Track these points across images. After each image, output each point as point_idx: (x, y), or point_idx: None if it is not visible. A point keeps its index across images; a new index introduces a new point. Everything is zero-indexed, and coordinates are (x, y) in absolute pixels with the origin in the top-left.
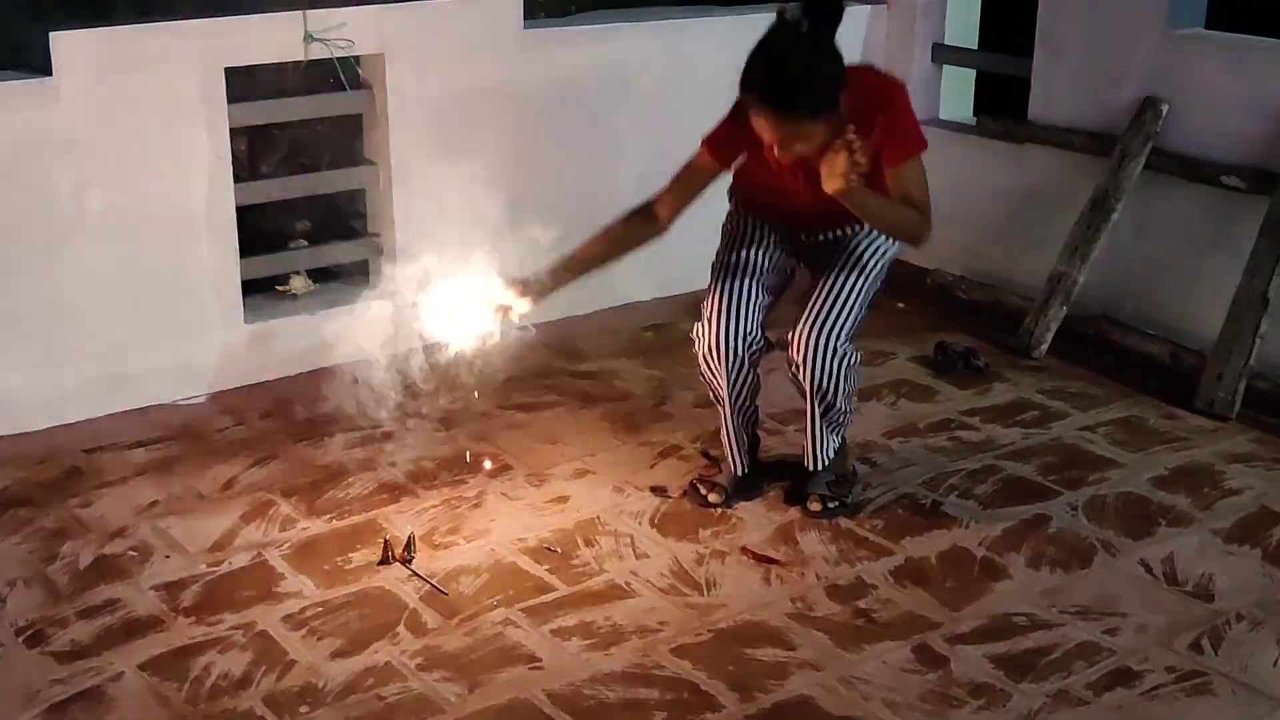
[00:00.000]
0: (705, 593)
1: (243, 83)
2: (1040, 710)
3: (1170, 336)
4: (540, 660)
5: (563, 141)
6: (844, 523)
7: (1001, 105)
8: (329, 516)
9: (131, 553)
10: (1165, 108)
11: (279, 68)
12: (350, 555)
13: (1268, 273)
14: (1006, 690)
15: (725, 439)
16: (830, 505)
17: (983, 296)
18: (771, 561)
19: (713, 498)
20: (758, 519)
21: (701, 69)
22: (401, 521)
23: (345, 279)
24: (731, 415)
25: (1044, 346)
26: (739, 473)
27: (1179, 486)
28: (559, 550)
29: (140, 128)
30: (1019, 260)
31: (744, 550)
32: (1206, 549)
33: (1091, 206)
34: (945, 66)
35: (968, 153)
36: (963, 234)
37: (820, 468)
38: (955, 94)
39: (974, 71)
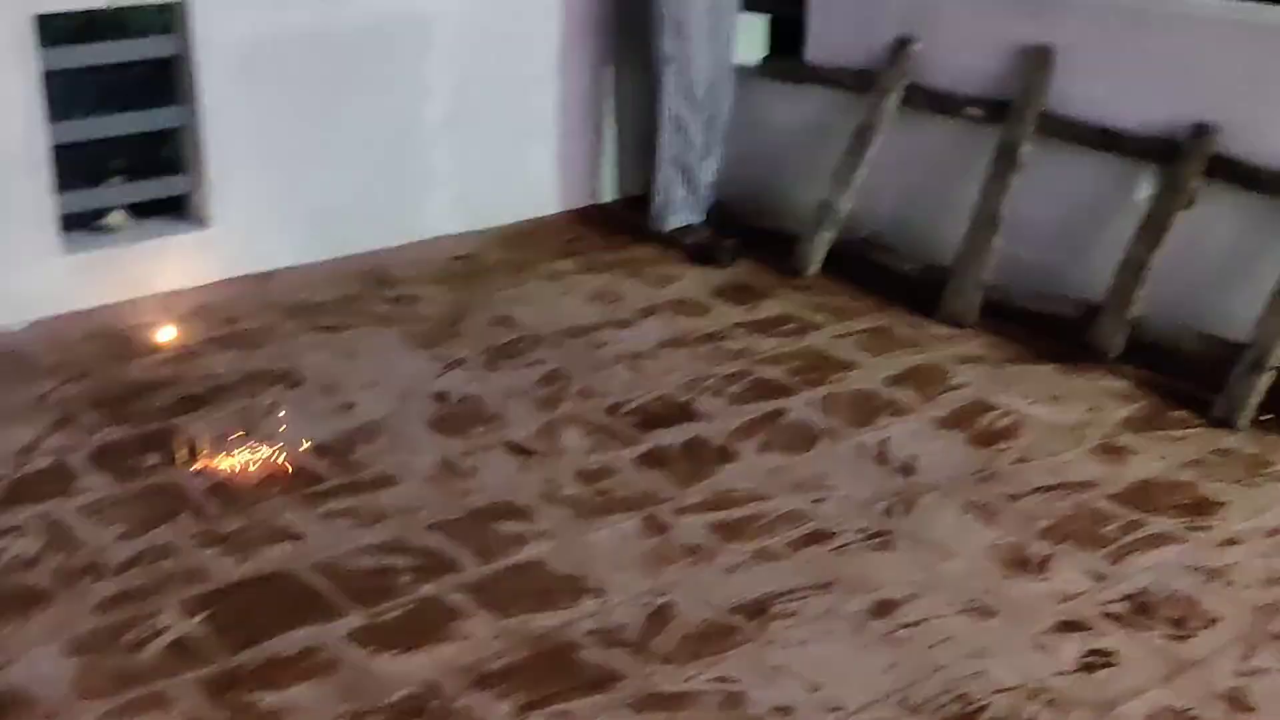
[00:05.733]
0: (466, 479)
1: (54, 28)
2: (741, 564)
3: (922, 255)
4: (307, 537)
5: (370, 83)
6: (602, 419)
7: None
8: (130, 424)
9: None
10: (917, 46)
11: (90, 13)
12: (146, 456)
13: (998, 194)
14: (715, 549)
15: None
16: None
17: (768, 224)
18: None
19: None
20: (523, 418)
21: (501, 15)
22: (198, 428)
23: (164, 214)
24: None
25: (813, 267)
26: None
27: (908, 383)
28: (339, 448)
29: None
30: (800, 190)
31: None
32: (919, 434)
33: (853, 139)
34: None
35: (757, 93)
36: (754, 168)
37: None
38: (749, 40)
39: (767, 18)
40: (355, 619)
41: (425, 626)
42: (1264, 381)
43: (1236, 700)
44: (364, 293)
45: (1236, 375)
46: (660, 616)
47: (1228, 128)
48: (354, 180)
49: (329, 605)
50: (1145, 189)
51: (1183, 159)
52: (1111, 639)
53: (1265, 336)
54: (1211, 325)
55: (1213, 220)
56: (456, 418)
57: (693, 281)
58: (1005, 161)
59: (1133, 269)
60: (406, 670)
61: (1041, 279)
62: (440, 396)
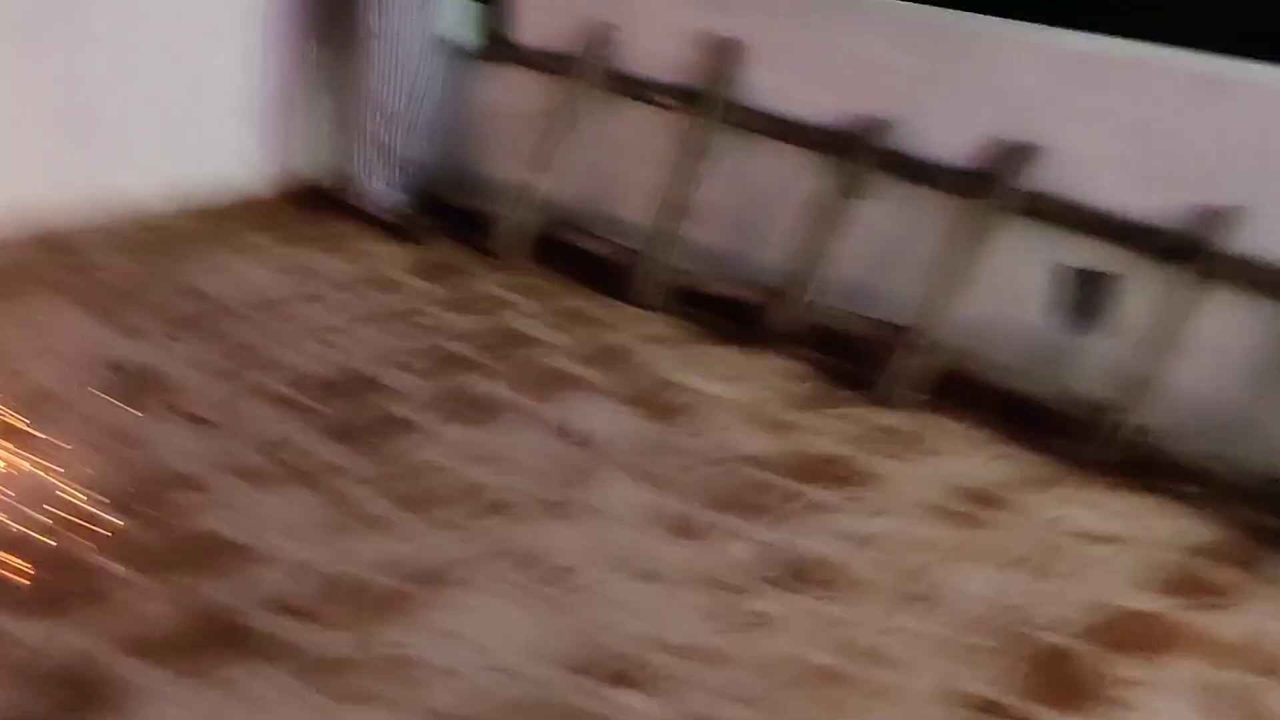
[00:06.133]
0: (136, 449)
1: None
2: (419, 534)
3: (617, 239)
4: None
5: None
6: (285, 391)
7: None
8: None
9: None
10: (616, 33)
11: None
12: None
13: (686, 181)
14: (392, 519)
15: None
16: None
17: (469, 204)
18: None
19: None
20: (203, 388)
21: None
22: None
23: None
24: None
25: (511, 248)
26: None
27: (594, 361)
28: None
29: None
30: (502, 171)
31: None
32: (601, 409)
33: (553, 123)
34: None
35: (464, 72)
36: (458, 148)
37: None
38: (459, 18)
39: None
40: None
41: (87, 594)
42: (921, 363)
43: (877, 656)
44: (41, 259)
45: (897, 357)
46: (333, 585)
47: (900, 124)
48: (32, 144)
49: None
50: (821, 180)
51: (857, 152)
52: (766, 601)
53: (923, 320)
54: (880, 310)
55: (882, 211)
56: (131, 387)
57: (389, 258)
58: (693, 149)
59: (808, 256)
60: (65, 639)
61: (726, 264)
62: (116, 366)
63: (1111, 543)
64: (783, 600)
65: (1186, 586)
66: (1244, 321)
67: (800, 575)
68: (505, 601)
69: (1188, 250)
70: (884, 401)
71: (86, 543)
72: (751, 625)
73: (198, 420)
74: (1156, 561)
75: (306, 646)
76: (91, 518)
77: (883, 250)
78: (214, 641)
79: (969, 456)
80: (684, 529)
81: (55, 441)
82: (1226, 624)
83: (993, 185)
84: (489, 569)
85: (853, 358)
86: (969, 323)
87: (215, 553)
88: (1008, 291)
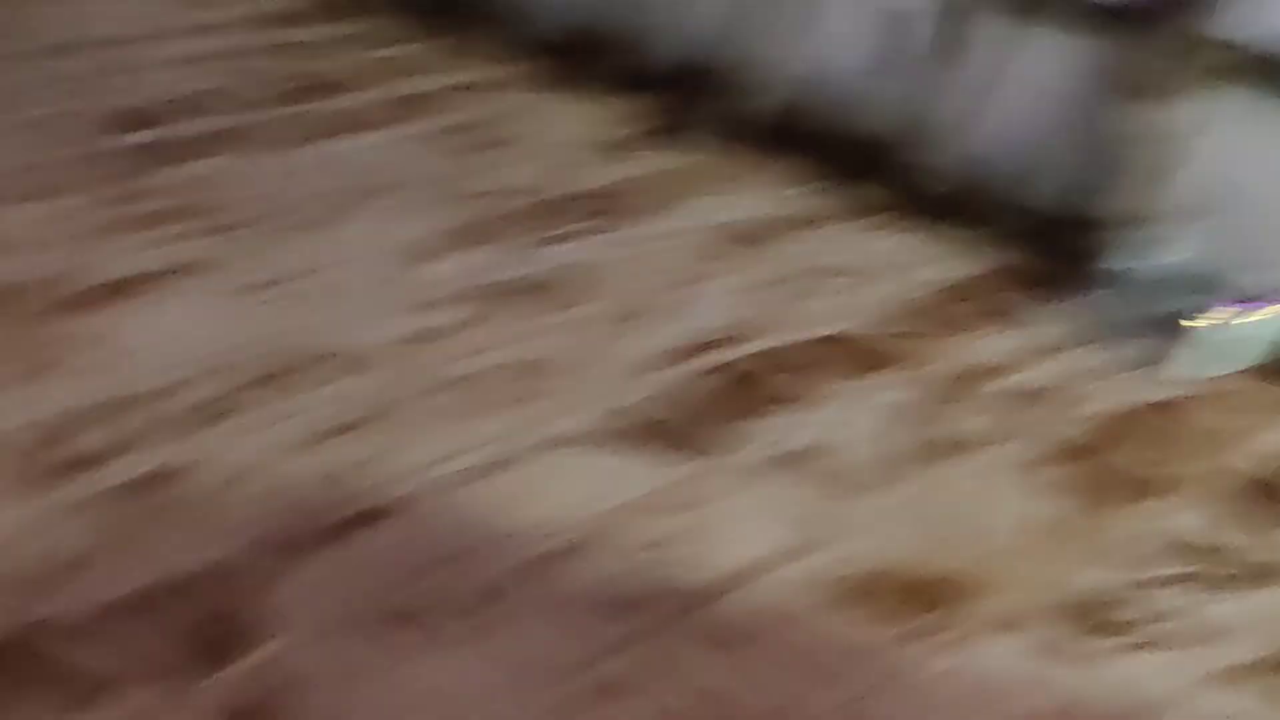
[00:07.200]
0: None
1: None
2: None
3: None
4: None
5: None
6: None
7: None
8: None
9: None
10: None
11: None
12: None
13: None
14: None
15: None
16: None
17: None
18: None
19: None
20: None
21: None
22: None
23: None
24: None
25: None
26: None
27: (406, 105)
28: None
29: None
30: None
31: None
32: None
33: None
34: None
35: None
36: None
37: None
38: None
39: None
40: None
41: None
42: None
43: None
44: None
45: (711, 98)
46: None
47: None
48: None
49: None
50: None
51: None
52: (462, 313)
53: (746, 61)
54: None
55: None
56: None
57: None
58: None
59: None
60: None
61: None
62: None
63: (856, 276)
64: (486, 310)
65: (919, 319)
66: (1062, 61)
67: (530, 292)
68: (201, 307)
69: None
70: (696, 141)
71: None
72: (427, 337)
73: None
74: (897, 295)
75: None
76: None
77: None
78: None
79: (757, 194)
80: (426, 251)
81: None
82: (941, 353)
83: None
84: (199, 281)
85: (685, 98)
86: (801, 65)
87: None
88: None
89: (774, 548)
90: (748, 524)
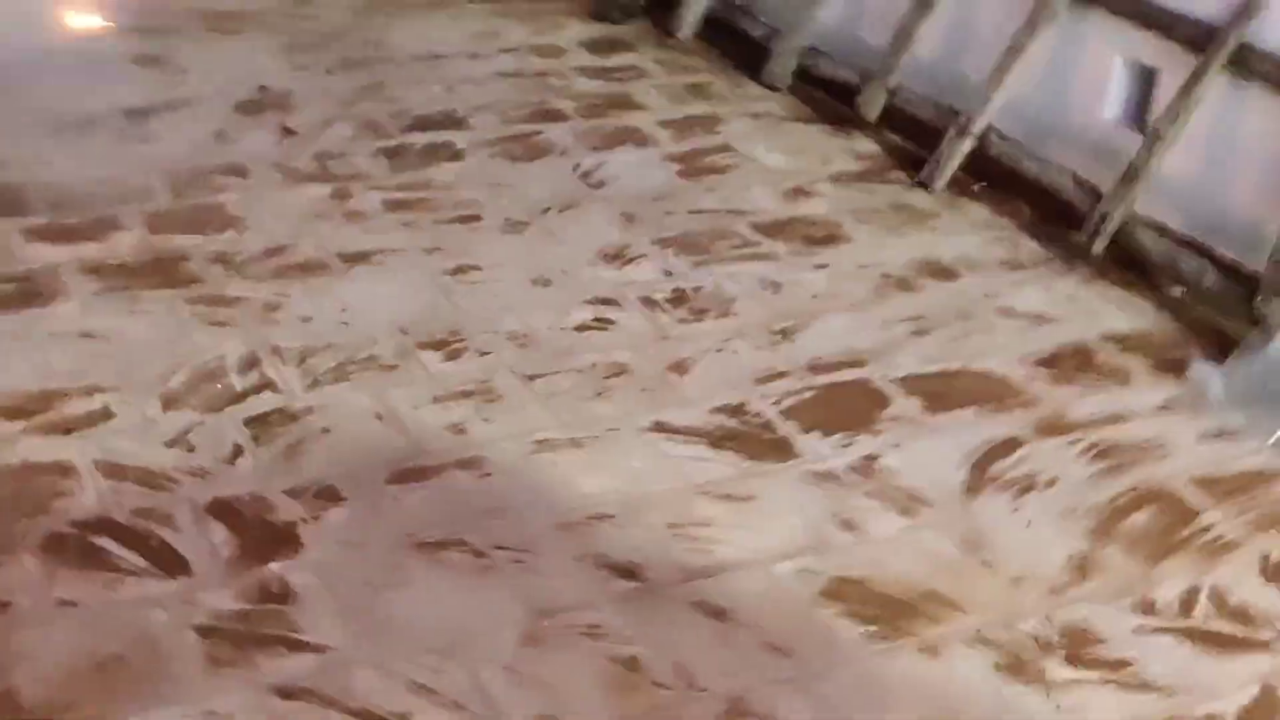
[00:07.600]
0: (229, 145)
1: None
2: (384, 228)
3: (777, 22)
4: None
5: None
6: (379, 120)
7: None
8: None
9: None
10: None
11: None
12: None
13: None
14: (370, 215)
15: None
16: None
17: None
18: None
19: None
20: (312, 109)
21: None
22: None
23: None
24: None
25: (686, 29)
26: None
27: (675, 126)
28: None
29: None
30: None
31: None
32: (642, 161)
33: None
34: None
35: None
36: None
37: None
38: None
39: None
40: None
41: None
42: (965, 146)
43: (681, 366)
44: (274, 6)
45: (946, 140)
46: (281, 251)
47: None
48: None
49: None
50: None
51: None
52: (625, 314)
53: (975, 104)
54: (955, 96)
55: None
56: (263, 103)
57: (574, 32)
58: None
59: (900, 39)
60: None
61: (856, 48)
62: (263, 87)
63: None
64: (640, 317)
65: (1068, 364)
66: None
67: (685, 302)
68: (402, 282)
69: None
70: (923, 184)
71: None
72: (591, 327)
73: (288, 132)
74: (1061, 340)
75: (210, 283)
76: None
77: (961, 33)
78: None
79: (965, 236)
80: (615, 256)
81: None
82: (1059, 398)
83: None
84: (409, 259)
85: (918, 140)
86: (1022, 111)
87: (209, 220)
88: (1064, 83)
89: (783, 544)
90: (772, 522)
